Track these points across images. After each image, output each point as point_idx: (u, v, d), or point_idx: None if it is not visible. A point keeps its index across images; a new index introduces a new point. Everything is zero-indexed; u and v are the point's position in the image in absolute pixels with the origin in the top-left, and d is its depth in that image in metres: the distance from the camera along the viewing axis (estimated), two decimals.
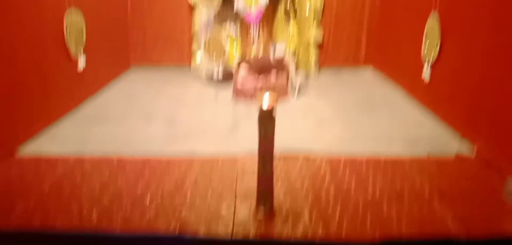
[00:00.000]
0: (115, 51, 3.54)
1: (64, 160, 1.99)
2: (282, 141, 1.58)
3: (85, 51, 2.79)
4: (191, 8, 3.73)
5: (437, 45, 2.54)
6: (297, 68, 3.39)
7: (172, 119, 2.60)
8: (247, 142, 2.02)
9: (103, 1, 3.24)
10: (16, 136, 2.12)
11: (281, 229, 1.46)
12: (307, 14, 3.70)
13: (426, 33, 2.70)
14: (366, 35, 3.91)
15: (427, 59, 2.68)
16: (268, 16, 3.39)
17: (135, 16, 3.81)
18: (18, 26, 2.12)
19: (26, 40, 2.20)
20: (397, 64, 3.36)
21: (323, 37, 3.80)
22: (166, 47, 3.91)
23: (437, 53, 2.55)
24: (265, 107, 1.39)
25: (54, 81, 2.48)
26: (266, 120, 1.40)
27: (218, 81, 3.38)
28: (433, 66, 2.64)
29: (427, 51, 2.68)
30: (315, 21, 3.74)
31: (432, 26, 2.61)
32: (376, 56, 3.83)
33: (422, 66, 2.73)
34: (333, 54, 3.90)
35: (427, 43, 2.69)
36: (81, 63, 2.75)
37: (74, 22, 2.64)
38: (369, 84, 3.47)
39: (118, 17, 3.62)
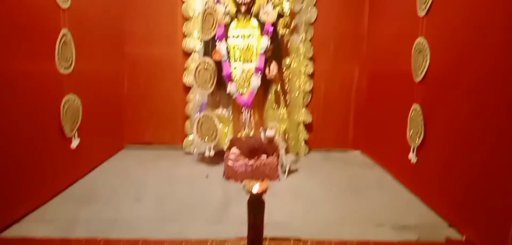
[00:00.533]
0: (109, 131, 3.60)
1: (50, 241, 1.96)
2: (272, 223, 1.58)
3: (79, 131, 2.83)
4: (186, 89, 3.87)
5: (420, 133, 2.63)
6: (287, 149, 3.45)
7: (162, 199, 2.59)
8: (238, 223, 2.01)
9: (101, 85, 3.35)
10: (3, 216, 2.08)
11: None
12: (296, 97, 3.86)
13: (409, 121, 2.80)
14: (353, 119, 4.04)
15: (412, 146, 2.75)
16: (260, 98, 3.50)
17: (130, 97, 3.92)
18: (15, 107, 2.17)
19: (22, 120, 2.24)
20: (384, 148, 3.45)
21: (312, 119, 3.92)
22: (160, 126, 3.98)
23: (421, 140, 2.64)
24: (255, 192, 1.41)
25: (46, 161, 2.49)
26: (256, 206, 1.43)
27: (210, 160, 3.42)
28: (418, 152, 2.71)
29: (412, 138, 2.76)
30: (304, 104, 3.89)
31: (414, 117, 2.72)
32: (364, 140, 3.94)
33: (408, 151, 2.80)
34: (322, 136, 4.00)
35: (411, 131, 2.78)
36: (75, 143, 2.78)
37: (71, 105, 2.71)
38: (357, 167, 3.52)
39: (114, 99, 3.72)
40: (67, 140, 2.73)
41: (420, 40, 2.66)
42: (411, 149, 2.77)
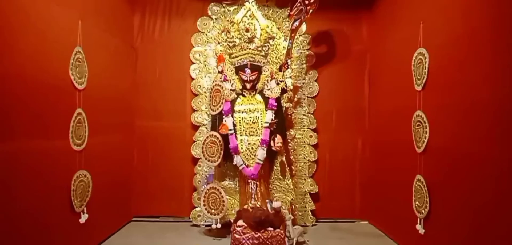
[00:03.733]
0: (117, 204, 3.65)
1: None
2: None
3: (88, 205, 2.89)
4: (193, 161, 3.95)
5: (426, 204, 2.65)
6: (294, 220, 3.46)
7: None
8: None
9: (111, 159, 3.46)
10: None
11: None
12: (302, 167, 3.92)
13: (414, 192, 2.83)
14: (360, 188, 4.07)
15: (419, 217, 2.76)
16: (266, 169, 3.56)
17: (139, 169, 4.01)
18: (28, 182, 2.25)
19: (34, 194, 2.30)
20: (392, 219, 3.44)
21: (319, 190, 3.95)
22: (167, 198, 4.03)
23: (427, 211, 2.65)
24: None
25: (55, 235, 2.53)
26: None
27: (217, 232, 3.43)
28: (425, 223, 2.71)
29: (418, 209, 2.78)
30: (310, 174, 3.95)
31: (419, 188, 2.75)
32: (371, 210, 3.93)
33: (416, 222, 2.80)
34: (329, 206, 4.01)
35: (416, 202, 2.80)
36: (84, 217, 2.83)
37: (82, 180, 2.80)
38: (366, 238, 3.50)
39: (123, 172, 3.81)
40: (76, 215, 2.78)
41: (419, 113, 2.75)
42: (418, 220, 2.77)
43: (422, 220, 2.73)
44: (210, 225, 3.51)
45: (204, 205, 3.38)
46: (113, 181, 3.49)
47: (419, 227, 2.75)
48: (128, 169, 3.93)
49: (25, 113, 2.23)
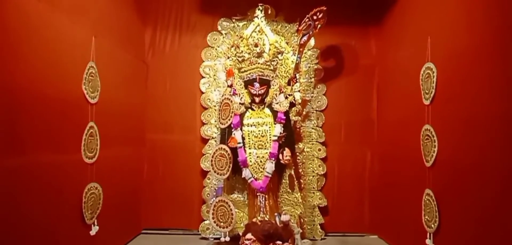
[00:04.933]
0: (127, 216, 3.69)
1: None
2: None
3: (99, 217, 2.93)
4: (202, 174, 3.99)
5: (435, 218, 2.64)
6: (303, 234, 3.46)
7: None
8: None
9: (122, 172, 3.51)
10: None
11: None
12: (310, 180, 3.93)
13: (424, 207, 2.82)
14: (369, 202, 4.07)
15: (428, 232, 2.75)
16: (274, 183, 3.58)
17: (149, 182, 4.05)
18: (40, 194, 2.30)
19: (45, 207, 2.34)
20: (401, 233, 3.42)
21: (328, 203, 3.95)
22: (176, 211, 4.05)
23: (437, 226, 2.64)
24: None
25: None
26: None
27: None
28: (435, 238, 2.69)
29: (427, 224, 2.77)
30: (318, 187, 3.95)
31: (428, 202, 2.75)
32: (381, 224, 3.92)
33: (425, 236, 2.78)
34: (338, 220, 4.00)
35: (426, 217, 2.79)
36: (95, 229, 2.87)
37: (93, 193, 2.85)
38: None
39: (133, 184, 3.86)
40: (87, 227, 2.82)
41: (427, 127, 2.76)
42: (428, 235, 2.76)
43: (431, 234, 2.72)
44: (218, 238, 3.52)
45: (213, 218, 3.40)
46: (123, 193, 3.54)
47: (429, 242, 2.73)
48: (138, 182, 3.98)
49: (39, 128, 2.29)
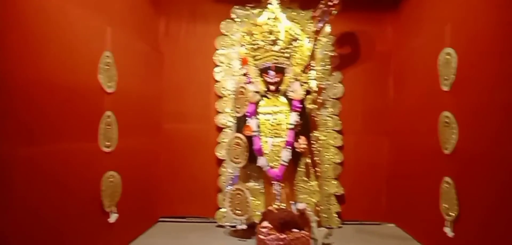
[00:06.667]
0: (144, 205, 3.73)
1: None
2: None
3: (117, 205, 2.97)
4: (218, 162, 4.00)
5: (455, 206, 2.60)
6: (319, 222, 3.45)
7: None
8: None
9: (139, 161, 3.54)
10: None
11: None
12: (327, 169, 3.91)
13: (442, 194, 2.77)
14: (386, 190, 4.03)
15: (447, 220, 2.71)
16: (290, 171, 3.57)
17: (165, 171, 4.09)
18: (60, 182, 2.34)
19: (65, 194, 2.39)
20: (419, 221, 3.38)
21: (344, 192, 3.93)
22: (193, 199, 4.08)
23: (456, 214, 2.59)
24: None
25: (85, 233, 2.61)
26: None
27: (242, 233, 3.46)
28: (455, 226, 2.65)
29: (446, 212, 2.72)
30: (335, 176, 3.93)
31: (447, 190, 2.70)
32: (398, 212, 3.88)
33: (443, 224, 2.75)
34: (354, 208, 3.98)
35: (445, 204, 2.75)
36: (113, 217, 2.91)
37: (111, 181, 2.88)
38: (392, 241, 3.47)
39: (151, 174, 3.89)
40: (106, 214, 2.86)
41: (446, 114, 2.70)
42: (446, 223, 2.72)
43: (451, 222, 2.68)
44: (235, 226, 3.55)
45: (229, 206, 3.42)
46: (140, 182, 3.58)
47: (448, 230, 2.70)
48: (155, 171, 4.01)
49: (57, 118, 2.32)
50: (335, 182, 3.93)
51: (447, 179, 2.69)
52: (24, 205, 2.03)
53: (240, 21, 4.01)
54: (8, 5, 1.91)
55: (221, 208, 3.92)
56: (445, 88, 2.74)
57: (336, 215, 3.88)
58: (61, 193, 2.35)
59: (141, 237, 3.53)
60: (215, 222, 3.91)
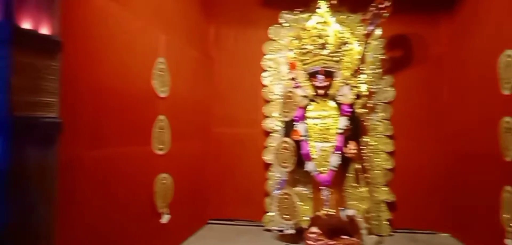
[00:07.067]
0: (194, 207, 3.83)
1: None
2: None
3: (169, 207, 3.07)
4: (266, 166, 4.02)
5: None
6: (369, 229, 3.38)
7: None
8: None
9: (190, 164, 3.65)
10: None
11: None
12: (377, 175, 3.82)
13: (503, 204, 2.62)
14: (440, 199, 3.86)
15: (509, 231, 2.56)
16: (339, 176, 3.51)
17: (214, 174, 4.17)
18: (116, 184, 2.46)
19: (120, 195, 2.50)
20: (476, 232, 3.21)
21: (396, 199, 3.82)
22: (240, 202, 4.14)
23: None
24: None
25: (139, 233, 2.72)
26: None
27: (290, 238, 3.45)
28: None
29: (507, 222, 2.58)
30: (385, 182, 3.83)
31: (509, 200, 2.55)
32: (453, 222, 3.71)
33: (503, 236, 2.60)
34: (406, 216, 3.84)
35: (505, 216, 2.60)
36: (165, 218, 3.01)
37: (163, 183, 2.99)
38: None
39: (200, 176, 3.99)
40: (158, 215, 2.97)
41: (507, 119, 2.56)
42: (508, 234, 2.57)
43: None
44: (282, 231, 3.55)
45: (277, 210, 3.43)
46: (191, 184, 3.68)
47: (510, 242, 2.54)
48: (204, 174, 4.10)
49: (116, 121, 2.45)
50: (386, 189, 3.83)
51: (508, 188, 2.54)
52: (88, 204, 2.16)
53: (288, 26, 4.03)
54: (73, 14, 2.04)
55: (268, 212, 3.93)
56: (506, 92, 2.59)
57: (387, 223, 3.77)
58: (119, 194, 2.47)
59: (191, 239, 3.62)
60: (263, 226, 3.93)
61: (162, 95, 2.96)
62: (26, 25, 1.70)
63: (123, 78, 2.52)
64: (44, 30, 1.78)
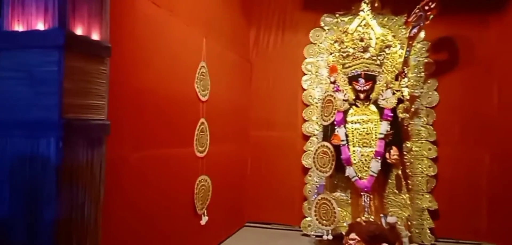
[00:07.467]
0: (233, 209, 3.86)
1: None
2: None
3: (208, 208, 3.11)
4: (304, 171, 4.00)
5: None
6: (411, 238, 3.28)
7: None
8: None
9: (228, 166, 3.68)
10: None
11: None
12: (419, 182, 3.70)
13: None
14: (487, 208, 3.68)
15: None
16: (380, 182, 3.43)
17: (252, 177, 4.20)
18: (160, 184, 2.52)
19: (163, 195, 2.56)
20: None
21: (439, 207, 3.68)
22: (278, 206, 4.13)
23: None
24: None
25: (179, 233, 2.77)
26: None
27: (328, 243, 3.40)
28: None
29: None
30: (428, 189, 3.70)
31: None
32: (501, 233, 3.52)
33: None
34: (450, 225, 3.70)
35: None
36: (204, 219, 3.06)
37: (203, 185, 3.04)
38: None
39: (238, 179, 4.03)
40: (198, 216, 3.01)
41: None
42: None
43: None
44: (320, 236, 3.50)
45: (315, 216, 3.39)
46: (229, 187, 3.71)
47: None
48: (243, 177, 4.14)
49: (160, 124, 2.51)
50: (428, 196, 3.70)
51: None
52: (132, 203, 2.22)
53: (328, 29, 3.99)
54: (121, 21, 2.11)
55: (306, 217, 3.90)
56: None
57: (429, 231, 3.64)
58: (161, 194, 2.53)
59: (229, 240, 3.65)
60: (300, 231, 3.91)
61: (203, 98, 3.00)
62: (78, 31, 1.78)
63: (167, 82, 2.59)
64: (95, 36, 1.86)
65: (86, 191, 1.84)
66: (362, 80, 3.40)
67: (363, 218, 3.29)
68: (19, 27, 1.76)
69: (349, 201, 3.57)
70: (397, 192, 3.45)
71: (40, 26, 1.72)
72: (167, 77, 2.59)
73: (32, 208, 1.70)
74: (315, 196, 3.59)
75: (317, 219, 3.40)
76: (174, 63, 2.67)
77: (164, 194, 2.57)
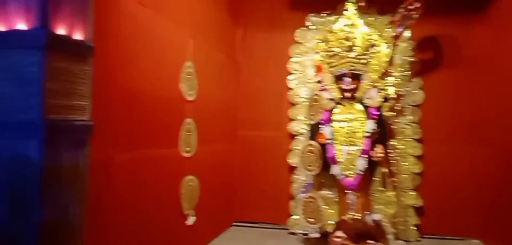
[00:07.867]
0: (220, 209, 3.86)
1: None
2: None
3: (195, 209, 3.10)
4: (291, 170, 4.02)
5: None
6: (396, 235, 3.32)
7: None
8: None
9: (216, 166, 3.68)
10: None
11: None
12: (405, 179, 3.74)
13: None
14: (471, 204, 3.74)
15: None
16: (366, 180, 3.46)
17: (240, 177, 4.20)
18: (144, 185, 2.50)
19: (147, 196, 2.54)
20: (510, 239, 3.11)
21: (424, 204, 3.73)
22: (265, 205, 4.14)
23: None
24: None
25: (165, 234, 2.75)
26: None
27: (315, 241, 3.43)
28: None
29: None
30: (413, 187, 3.75)
31: None
32: (485, 228, 3.59)
33: None
34: (435, 221, 3.76)
35: None
36: (191, 220, 3.05)
37: (189, 185, 3.03)
38: None
39: (226, 179, 4.03)
40: (184, 217, 3.00)
41: None
42: None
43: None
44: (307, 234, 3.53)
45: (302, 214, 3.41)
46: (217, 187, 3.71)
47: None
48: (230, 176, 4.14)
49: (146, 124, 2.50)
50: (414, 193, 3.75)
51: None
52: (117, 205, 2.21)
53: (315, 29, 4.01)
54: (105, 20, 2.09)
55: (293, 215, 3.92)
56: None
57: (414, 228, 3.70)
58: (147, 195, 2.52)
59: (216, 240, 3.65)
60: (287, 229, 3.92)
61: (189, 98, 3.00)
62: (60, 31, 1.76)
63: (152, 82, 2.57)
64: (78, 35, 1.84)
65: (70, 192, 1.83)
66: (347, 79, 3.41)
67: (349, 215, 3.32)
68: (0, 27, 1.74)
69: (336, 199, 3.59)
70: (383, 189, 3.49)
71: (22, 26, 1.70)
72: (153, 77, 2.58)
73: (16, 210, 1.69)
74: (302, 194, 3.61)
75: (304, 217, 3.42)
76: (160, 64, 2.66)
77: (150, 195, 2.56)
